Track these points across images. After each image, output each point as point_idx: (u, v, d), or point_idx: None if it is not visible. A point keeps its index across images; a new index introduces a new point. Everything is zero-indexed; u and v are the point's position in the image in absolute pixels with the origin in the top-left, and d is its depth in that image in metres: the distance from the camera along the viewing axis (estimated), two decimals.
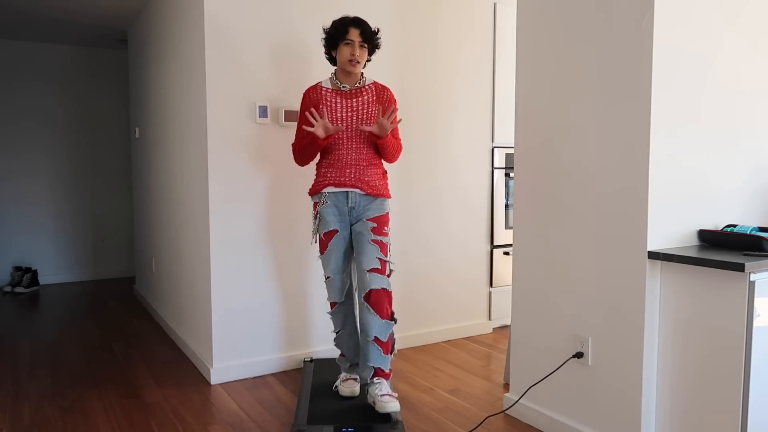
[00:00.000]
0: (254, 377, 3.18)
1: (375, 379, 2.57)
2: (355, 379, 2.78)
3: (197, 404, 2.83)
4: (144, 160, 4.69)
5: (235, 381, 3.12)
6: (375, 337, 2.55)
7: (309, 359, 3.23)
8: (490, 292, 4.03)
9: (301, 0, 3.21)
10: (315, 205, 2.73)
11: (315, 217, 2.72)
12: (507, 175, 4.03)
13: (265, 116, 3.15)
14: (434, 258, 3.77)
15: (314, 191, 2.71)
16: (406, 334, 3.70)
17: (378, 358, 2.56)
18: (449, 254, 3.83)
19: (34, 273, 5.52)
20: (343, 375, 2.81)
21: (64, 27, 5.06)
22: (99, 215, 6.05)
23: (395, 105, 2.71)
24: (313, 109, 2.54)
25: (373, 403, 2.52)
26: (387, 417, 2.51)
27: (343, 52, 2.60)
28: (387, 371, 2.60)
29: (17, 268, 5.54)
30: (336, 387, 2.79)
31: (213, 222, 3.05)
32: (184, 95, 3.44)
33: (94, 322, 4.36)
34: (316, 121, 2.53)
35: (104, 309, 4.76)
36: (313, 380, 2.92)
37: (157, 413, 2.72)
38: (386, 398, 2.47)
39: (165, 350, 3.66)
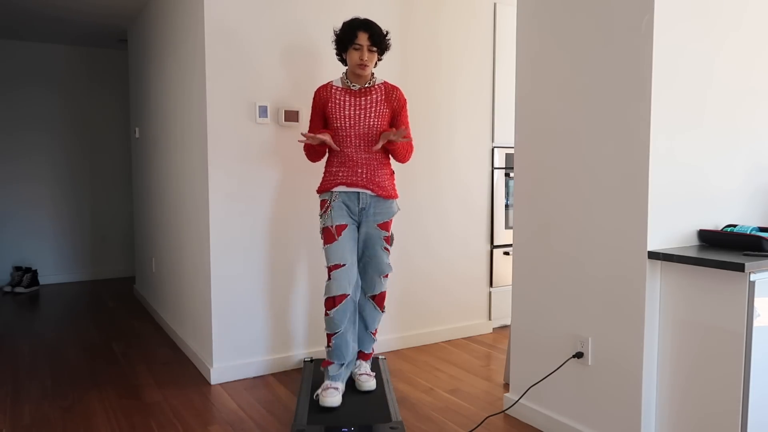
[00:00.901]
0: (254, 377, 3.18)
1: (356, 361, 2.89)
2: (337, 389, 2.63)
3: (197, 404, 2.83)
4: (144, 160, 4.69)
5: (235, 381, 3.13)
6: (375, 329, 2.89)
7: (309, 359, 3.23)
8: (490, 292, 4.03)
9: (302, 0, 3.21)
10: (323, 203, 2.74)
11: (323, 214, 2.72)
12: (507, 175, 4.03)
13: (265, 116, 3.15)
14: (434, 258, 3.77)
15: (323, 189, 2.73)
16: (406, 334, 3.70)
17: (370, 345, 2.92)
18: (449, 254, 3.83)
19: (34, 273, 5.52)
20: (326, 383, 2.67)
21: (63, 27, 5.06)
22: (99, 215, 6.05)
23: (406, 105, 2.76)
24: (310, 135, 2.59)
25: (353, 380, 2.85)
26: (387, 417, 2.51)
27: (352, 55, 2.64)
28: (370, 353, 2.93)
29: (17, 268, 5.54)
30: (316, 395, 2.64)
31: (213, 222, 3.05)
32: (184, 95, 3.44)
33: (94, 322, 4.36)
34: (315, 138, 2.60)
35: (104, 309, 4.76)
36: (313, 380, 2.92)
37: (157, 413, 2.72)
38: (364, 377, 2.81)
39: (165, 350, 3.66)
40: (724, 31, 2.22)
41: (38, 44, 5.65)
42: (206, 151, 3.04)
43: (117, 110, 6.07)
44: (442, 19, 3.69)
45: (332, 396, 2.58)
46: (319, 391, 2.65)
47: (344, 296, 2.62)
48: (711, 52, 2.19)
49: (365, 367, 2.90)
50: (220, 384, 3.09)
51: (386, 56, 3.49)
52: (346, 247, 2.64)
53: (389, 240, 2.78)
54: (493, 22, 3.91)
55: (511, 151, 4.05)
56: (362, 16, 3.40)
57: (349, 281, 2.62)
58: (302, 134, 2.57)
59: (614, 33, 2.16)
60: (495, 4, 3.90)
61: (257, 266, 3.18)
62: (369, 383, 2.78)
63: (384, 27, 3.47)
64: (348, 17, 3.35)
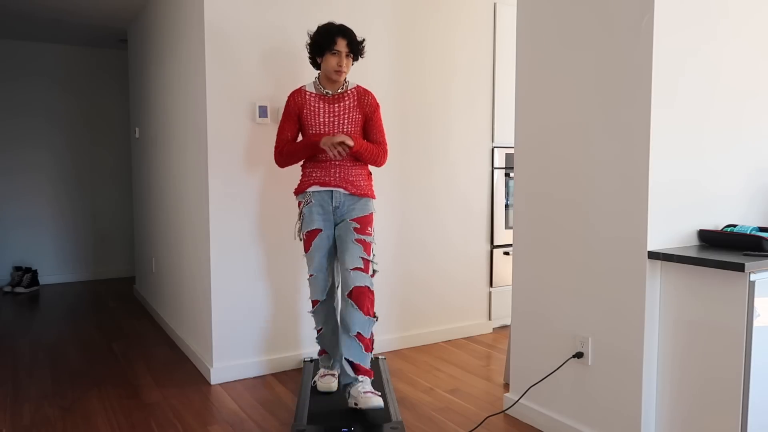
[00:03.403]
0: (254, 377, 3.18)
1: (359, 376, 2.56)
2: (333, 375, 2.83)
3: (197, 404, 2.83)
4: (144, 160, 4.69)
5: (235, 381, 3.13)
6: (358, 332, 2.56)
7: (309, 359, 3.23)
8: (490, 292, 4.03)
9: (302, 1, 3.21)
10: (300, 204, 2.78)
11: (299, 216, 2.77)
12: (507, 175, 4.03)
13: (265, 116, 3.15)
14: (434, 258, 3.77)
15: (299, 190, 2.77)
16: (406, 334, 3.70)
17: (359, 354, 2.56)
18: (449, 254, 3.83)
19: (34, 273, 5.52)
20: (321, 371, 2.88)
21: (64, 27, 5.06)
22: (99, 215, 6.05)
23: (378, 109, 2.76)
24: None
25: (355, 404, 2.49)
26: (387, 417, 2.51)
27: (330, 61, 2.64)
28: (368, 369, 2.59)
29: (17, 268, 5.54)
30: (314, 382, 2.85)
31: (213, 222, 3.05)
32: (184, 95, 3.44)
33: (94, 322, 4.36)
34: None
35: (104, 309, 4.76)
36: (313, 380, 2.92)
37: (157, 413, 2.72)
38: (369, 394, 2.46)
39: (165, 350, 3.66)
40: (727, 31, 2.22)
41: (38, 44, 5.65)
42: (206, 151, 3.04)
43: (117, 110, 6.07)
44: (442, 19, 3.69)
45: (329, 382, 2.77)
46: (316, 378, 2.85)
47: (316, 302, 2.78)
48: (713, 52, 2.19)
49: (368, 385, 2.54)
50: (220, 384, 3.09)
51: (385, 56, 3.49)
52: (316, 257, 2.71)
53: (363, 231, 2.65)
54: (493, 22, 3.91)
55: (511, 151, 4.05)
56: (362, 15, 3.40)
57: (319, 289, 2.75)
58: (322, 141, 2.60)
59: (615, 32, 2.16)
60: (495, 4, 3.90)
61: (257, 266, 3.18)
62: (374, 399, 2.44)
63: (383, 27, 3.47)
64: (348, 17, 3.35)
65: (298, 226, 2.78)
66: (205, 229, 3.11)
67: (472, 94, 3.84)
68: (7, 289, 5.39)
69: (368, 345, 2.60)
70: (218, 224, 3.06)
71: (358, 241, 2.63)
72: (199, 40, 3.07)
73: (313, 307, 2.80)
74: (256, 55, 3.11)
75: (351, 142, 2.58)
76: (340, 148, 2.59)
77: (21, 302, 5.02)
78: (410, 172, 3.64)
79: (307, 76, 3.26)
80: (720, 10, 2.19)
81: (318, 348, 3.39)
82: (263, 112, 3.14)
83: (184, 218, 3.54)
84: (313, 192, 2.72)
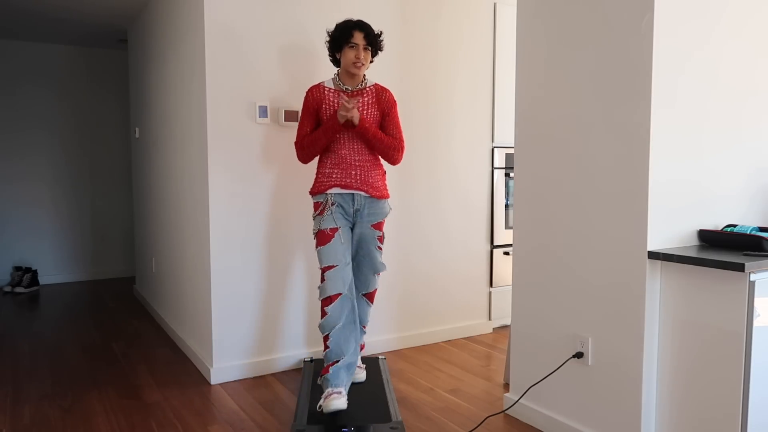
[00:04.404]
0: (254, 377, 3.18)
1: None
2: (340, 393, 2.47)
3: (197, 404, 2.83)
4: (144, 160, 4.69)
5: (235, 381, 3.13)
6: (367, 322, 3.00)
7: (309, 359, 3.23)
8: (490, 292, 4.03)
9: (301, 0, 3.21)
10: (316, 205, 2.74)
11: (318, 216, 2.71)
12: (507, 175, 4.03)
13: (265, 116, 3.15)
14: (434, 258, 3.77)
15: (317, 191, 2.73)
16: (406, 334, 3.70)
17: (361, 337, 2.94)
18: (449, 254, 3.83)
19: (34, 273, 5.52)
20: (328, 390, 2.49)
21: (63, 27, 5.06)
22: (99, 215, 6.05)
23: (395, 106, 2.77)
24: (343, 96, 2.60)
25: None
26: (387, 417, 2.51)
27: (348, 54, 2.66)
28: (362, 344, 3.02)
29: (17, 268, 5.54)
30: (320, 407, 2.48)
31: (213, 222, 3.05)
32: (184, 95, 3.44)
33: (94, 322, 4.36)
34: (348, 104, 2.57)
35: (104, 309, 4.76)
36: (313, 380, 2.92)
37: (157, 413, 2.72)
38: (357, 369, 2.88)
39: (165, 350, 3.66)
40: (727, 31, 2.22)
41: (38, 44, 5.65)
42: (206, 151, 3.04)
43: (117, 110, 6.07)
44: (442, 19, 3.69)
45: (337, 399, 2.42)
46: (321, 401, 2.47)
47: (339, 295, 2.61)
48: (714, 52, 2.19)
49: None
50: (220, 384, 3.09)
51: (386, 56, 3.49)
52: (339, 249, 2.64)
53: (383, 239, 2.85)
54: (493, 22, 3.91)
55: (511, 151, 4.05)
56: (362, 15, 3.40)
57: (343, 281, 2.62)
58: (345, 101, 2.55)
59: (615, 32, 2.16)
60: (495, 4, 3.90)
61: (257, 266, 3.19)
62: (359, 375, 2.90)
63: (383, 27, 3.47)
64: (348, 17, 3.35)
65: (317, 226, 2.69)
66: (206, 229, 3.11)
67: (473, 94, 3.85)
68: (7, 289, 5.39)
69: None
70: (218, 224, 3.07)
71: (379, 248, 2.83)
72: (199, 39, 3.07)
73: (330, 303, 2.58)
74: (257, 54, 3.11)
75: (356, 118, 2.59)
76: (348, 114, 2.56)
77: (21, 302, 5.02)
78: (411, 172, 3.63)
79: (309, 75, 3.27)
80: (719, 10, 2.19)
81: (321, 347, 3.39)
82: (263, 112, 3.14)
83: (185, 218, 3.54)
84: (334, 194, 2.70)
